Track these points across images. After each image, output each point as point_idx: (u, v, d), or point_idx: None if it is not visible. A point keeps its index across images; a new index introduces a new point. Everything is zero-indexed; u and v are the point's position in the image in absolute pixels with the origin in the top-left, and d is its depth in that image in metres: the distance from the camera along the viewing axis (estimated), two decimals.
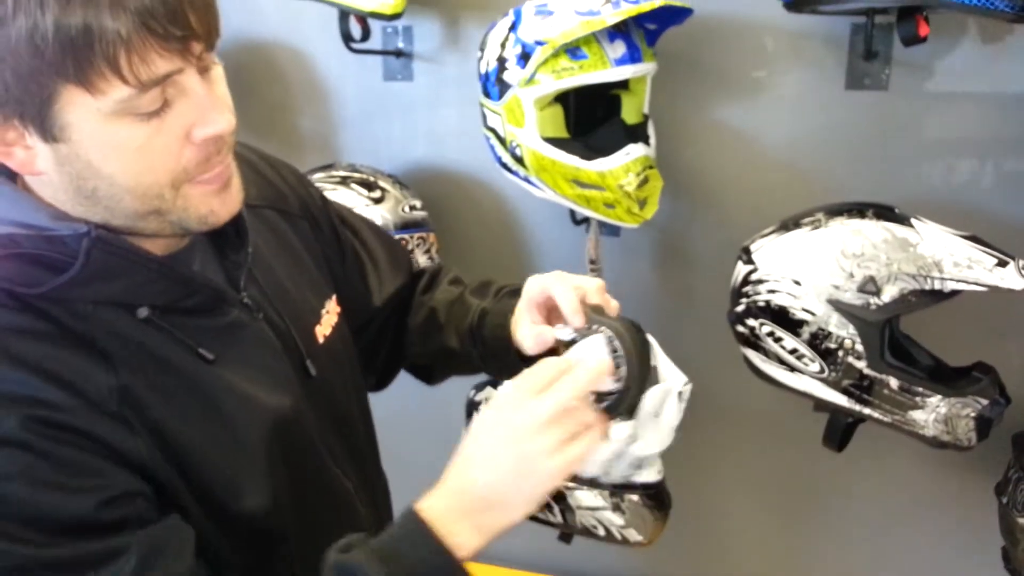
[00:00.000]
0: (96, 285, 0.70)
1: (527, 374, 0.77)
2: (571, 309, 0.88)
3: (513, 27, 1.38)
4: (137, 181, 0.68)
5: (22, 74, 0.61)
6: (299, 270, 0.95)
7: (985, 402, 1.21)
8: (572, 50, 1.32)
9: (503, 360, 0.99)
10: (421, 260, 1.70)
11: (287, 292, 0.90)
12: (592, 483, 1.22)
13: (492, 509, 0.72)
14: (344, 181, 1.71)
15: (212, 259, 0.83)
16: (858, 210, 1.26)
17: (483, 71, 1.45)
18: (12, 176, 0.72)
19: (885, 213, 1.25)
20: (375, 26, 1.77)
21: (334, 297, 0.98)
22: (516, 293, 1.01)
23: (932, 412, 1.21)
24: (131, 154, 0.66)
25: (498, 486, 0.72)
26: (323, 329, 0.94)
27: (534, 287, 0.95)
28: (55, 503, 0.64)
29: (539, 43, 1.32)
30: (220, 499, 0.75)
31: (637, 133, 1.45)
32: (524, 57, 1.35)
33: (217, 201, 0.74)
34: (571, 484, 1.21)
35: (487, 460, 0.73)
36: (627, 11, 1.25)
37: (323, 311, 0.95)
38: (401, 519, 0.73)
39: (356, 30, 1.73)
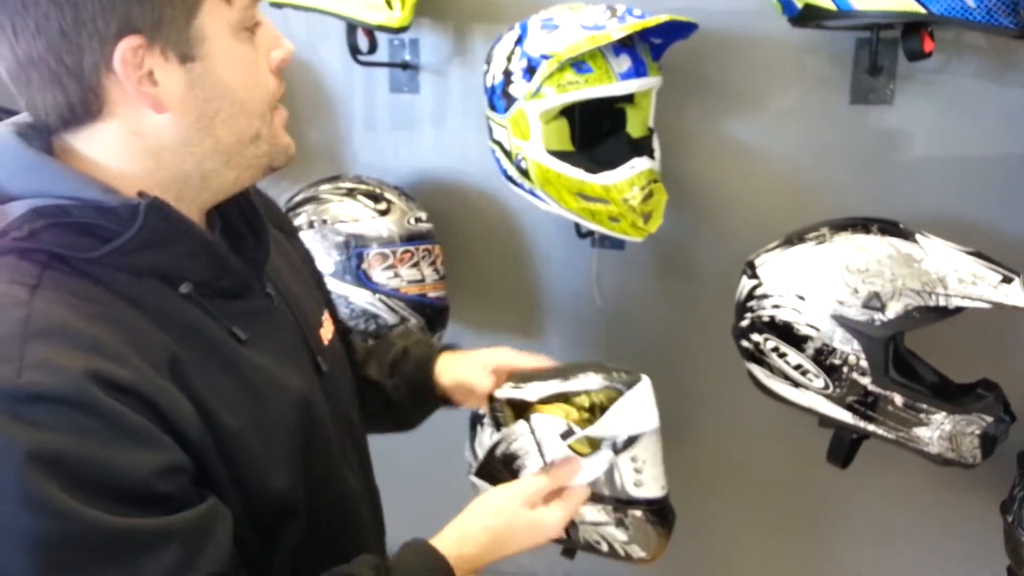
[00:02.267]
0: (147, 253, 0.72)
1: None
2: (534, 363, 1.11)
3: (519, 41, 1.39)
4: (251, 95, 0.76)
5: None
6: (300, 279, 0.99)
7: (990, 419, 1.20)
8: (578, 64, 1.32)
9: (421, 396, 1.14)
10: (427, 272, 1.71)
11: (295, 295, 0.94)
12: (595, 498, 1.21)
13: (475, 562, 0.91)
14: (350, 193, 1.71)
15: (232, 253, 0.84)
16: (863, 225, 1.26)
17: (489, 84, 1.45)
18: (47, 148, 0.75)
19: (890, 228, 1.25)
20: (382, 38, 1.78)
21: (327, 311, 1.03)
22: (431, 346, 1.18)
23: (936, 429, 1.21)
24: (248, 67, 0.75)
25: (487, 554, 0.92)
26: (326, 333, 0.98)
27: (484, 357, 1.14)
28: (115, 467, 0.63)
29: (545, 57, 1.33)
30: (249, 477, 0.76)
31: (642, 147, 1.46)
32: (530, 71, 1.35)
33: (287, 137, 0.82)
34: None
35: (489, 541, 0.92)
36: (632, 26, 1.26)
37: (323, 318, 1.00)
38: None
39: (363, 43, 1.74)
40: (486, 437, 1.20)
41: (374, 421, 1.12)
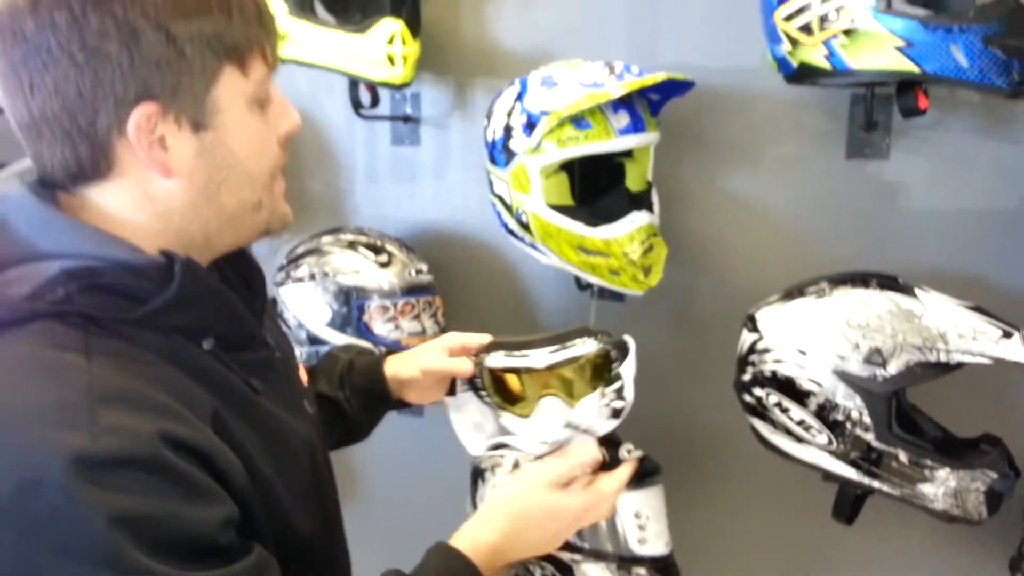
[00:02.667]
0: (179, 312, 0.73)
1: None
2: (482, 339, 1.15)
3: (519, 97, 1.40)
4: (259, 165, 0.78)
5: (196, 58, 0.70)
6: (275, 324, 1.04)
7: (995, 475, 1.19)
8: (577, 120, 1.34)
9: (374, 401, 1.18)
10: (428, 324, 1.71)
11: (279, 341, 0.96)
12: (599, 555, 1.20)
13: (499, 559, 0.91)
14: (352, 245, 1.72)
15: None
16: (862, 280, 1.27)
17: (489, 139, 1.47)
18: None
19: (889, 283, 1.25)
20: (384, 92, 1.81)
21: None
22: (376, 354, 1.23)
23: (941, 485, 1.20)
24: (257, 139, 0.78)
25: (511, 550, 0.91)
26: (303, 375, 1.02)
27: (438, 343, 1.19)
28: (187, 525, 0.65)
29: (544, 113, 1.34)
30: (281, 522, 0.79)
31: (641, 201, 1.47)
32: (530, 126, 1.37)
33: (286, 206, 0.85)
34: (578, 557, 1.19)
35: (510, 533, 0.91)
36: (631, 84, 1.28)
37: (297, 360, 1.03)
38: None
39: (365, 97, 1.76)
40: (487, 490, 1.19)
41: (329, 438, 1.11)
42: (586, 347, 1.07)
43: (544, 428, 1.06)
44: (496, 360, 1.10)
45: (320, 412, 1.07)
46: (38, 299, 0.69)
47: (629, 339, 1.07)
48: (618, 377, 1.05)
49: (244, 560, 0.69)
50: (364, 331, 1.66)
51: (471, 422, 1.17)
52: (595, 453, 1.02)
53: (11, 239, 0.71)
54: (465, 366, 1.16)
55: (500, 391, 1.18)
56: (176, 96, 0.71)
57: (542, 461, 1.01)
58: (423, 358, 1.19)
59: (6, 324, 0.68)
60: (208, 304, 0.77)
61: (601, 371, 1.10)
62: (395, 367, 1.20)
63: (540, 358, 1.07)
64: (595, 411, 1.03)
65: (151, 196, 0.74)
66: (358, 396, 1.18)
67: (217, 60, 0.72)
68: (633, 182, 1.49)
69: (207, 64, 0.71)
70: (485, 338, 1.18)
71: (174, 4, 0.69)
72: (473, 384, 1.16)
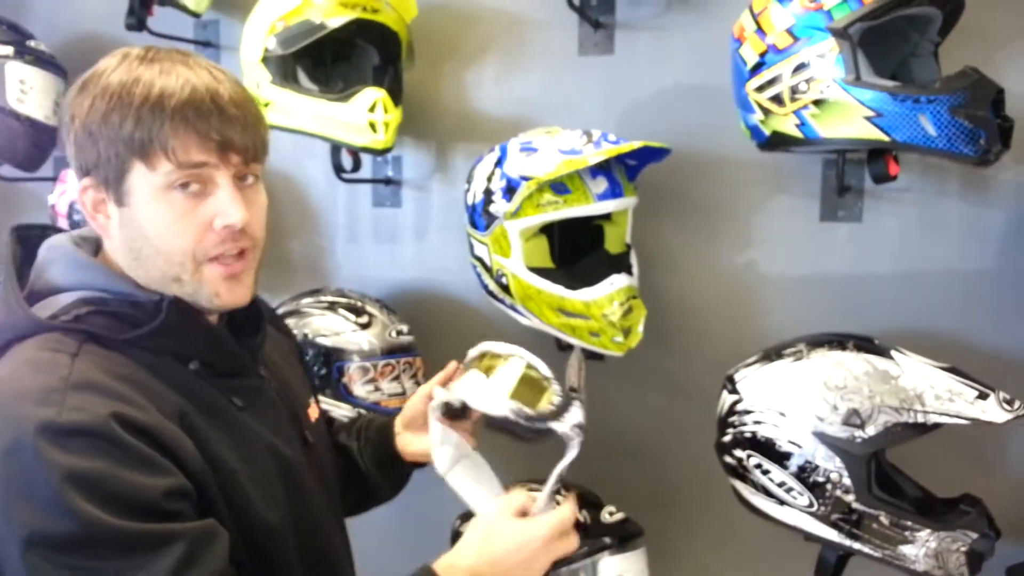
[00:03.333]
0: (166, 337, 0.91)
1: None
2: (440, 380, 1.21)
3: (499, 163, 1.43)
4: (168, 246, 0.90)
5: (111, 151, 0.87)
6: (290, 368, 1.17)
7: (975, 536, 1.19)
8: (556, 185, 1.36)
9: (385, 458, 1.25)
10: (408, 385, 1.70)
11: (286, 378, 1.11)
12: None
13: None
14: (332, 306, 1.72)
15: (233, 340, 1.01)
16: (839, 341, 1.28)
17: (470, 203, 1.49)
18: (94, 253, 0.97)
19: (865, 345, 1.27)
20: (365, 156, 1.83)
21: (314, 400, 1.19)
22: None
23: (922, 547, 1.20)
24: (167, 223, 0.89)
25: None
26: (313, 412, 1.16)
27: (404, 414, 1.25)
28: (130, 486, 0.79)
29: (524, 178, 1.37)
30: (243, 509, 0.91)
31: (620, 263, 1.49)
32: (510, 191, 1.39)
33: (225, 287, 0.93)
34: None
35: (484, 558, 0.97)
36: (607, 151, 1.30)
37: (310, 400, 1.18)
38: None
39: (347, 161, 1.78)
40: None
41: (347, 492, 1.22)
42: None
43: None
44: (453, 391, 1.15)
45: (338, 463, 1.22)
46: (54, 318, 0.89)
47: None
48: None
49: (189, 524, 0.82)
50: (343, 393, 1.65)
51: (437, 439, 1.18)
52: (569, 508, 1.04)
53: (48, 278, 0.93)
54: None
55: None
56: (99, 175, 0.89)
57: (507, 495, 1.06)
58: (410, 404, 1.26)
59: (27, 335, 0.88)
60: (192, 335, 0.93)
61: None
62: (399, 430, 1.27)
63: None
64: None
65: (118, 251, 0.93)
66: (371, 449, 1.26)
67: (128, 155, 0.87)
68: (612, 244, 1.52)
69: (119, 156, 0.87)
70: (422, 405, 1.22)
71: (95, 111, 0.87)
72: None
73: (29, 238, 0.99)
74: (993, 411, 1.16)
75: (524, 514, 1.02)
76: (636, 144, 1.30)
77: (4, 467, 0.78)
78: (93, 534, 0.77)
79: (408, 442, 1.24)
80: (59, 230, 1.03)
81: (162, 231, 0.90)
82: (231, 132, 0.90)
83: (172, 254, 0.90)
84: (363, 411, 1.65)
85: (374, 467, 1.25)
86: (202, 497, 0.86)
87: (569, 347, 1.61)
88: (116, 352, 0.88)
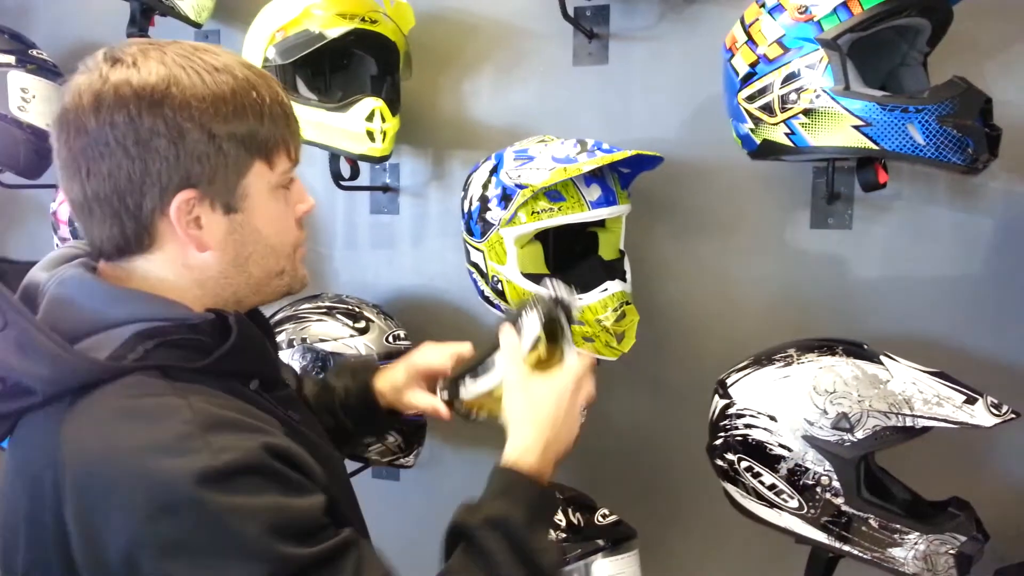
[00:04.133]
0: (234, 359, 0.85)
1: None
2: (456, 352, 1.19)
3: (495, 171, 1.45)
4: (280, 240, 0.91)
5: (231, 154, 0.83)
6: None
7: (963, 538, 1.21)
8: (551, 193, 1.38)
9: (370, 421, 1.25)
10: None
11: (288, 380, 1.05)
12: None
13: (556, 450, 1.01)
14: (330, 311, 1.74)
15: None
16: (828, 346, 1.30)
17: (466, 210, 1.51)
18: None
19: (854, 350, 1.28)
20: (364, 164, 1.85)
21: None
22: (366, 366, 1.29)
23: (911, 549, 1.21)
24: (279, 218, 0.90)
25: (552, 435, 1.00)
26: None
27: (416, 361, 1.22)
28: (301, 512, 0.78)
29: (520, 187, 1.39)
30: (343, 518, 0.87)
31: (614, 269, 1.51)
32: (505, 199, 1.41)
33: (303, 269, 0.96)
34: None
35: (540, 422, 1.00)
36: (601, 159, 1.32)
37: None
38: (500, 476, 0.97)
39: (346, 169, 1.80)
40: None
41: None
42: (533, 330, 1.09)
43: None
44: (470, 391, 1.14)
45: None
46: (120, 359, 0.79)
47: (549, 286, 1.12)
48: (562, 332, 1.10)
49: (344, 531, 0.81)
50: None
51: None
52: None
53: (80, 315, 0.82)
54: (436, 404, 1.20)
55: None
56: (212, 184, 0.83)
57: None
58: (406, 365, 1.23)
59: (95, 383, 0.78)
60: (253, 352, 0.89)
61: (555, 333, 1.12)
62: (386, 379, 1.25)
63: (499, 367, 1.10)
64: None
65: (189, 266, 0.86)
66: (354, 421, 1.24)
67: (249, 155, 0.85)
68: (606, 251, 1.54)
69: (240, 159, 0.84)
70: (444, 365, 1.20)
71: (215, 109, 0.81)
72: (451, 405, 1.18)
73: (16, 272, 0.90)
74: (981, 415, 1.18)
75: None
76: (629, 152, 1.32)
77: (166, 529, 0.71)
78: (291, 569, 0.74)
79: (400, 401, 1.23)
80: (9, 261, 0.93)
81: (277, 227, 0.90)
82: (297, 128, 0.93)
83: (283, 248, 0.91)
84: None
85: (362, 430, 1.26)
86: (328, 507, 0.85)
87: None
88: (195, 384, 0.81)
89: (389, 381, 1.24)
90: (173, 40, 0.85)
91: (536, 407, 1.02)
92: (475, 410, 1.16)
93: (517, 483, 0.96)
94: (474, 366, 1.12)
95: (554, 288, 1.10)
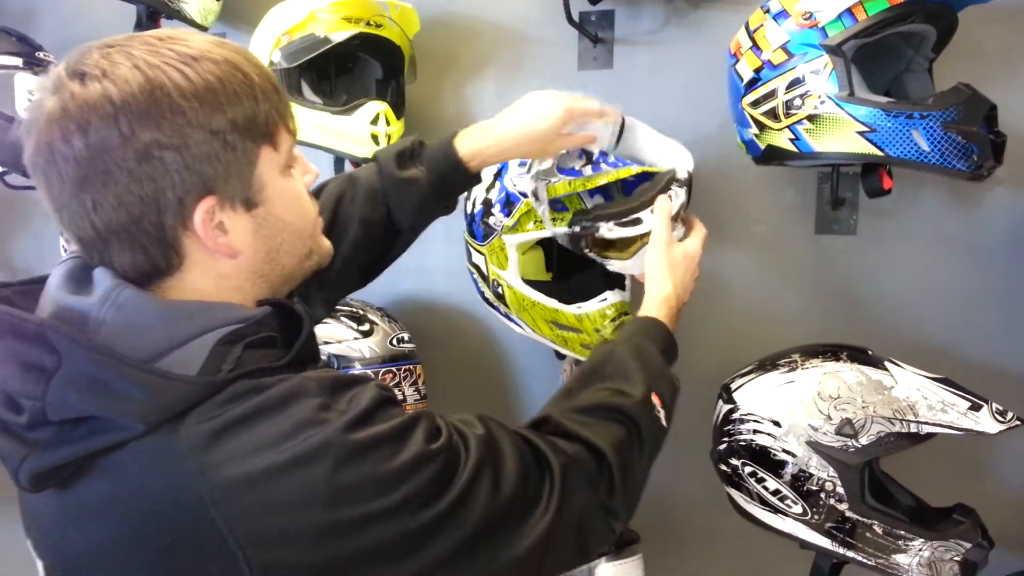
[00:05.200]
0: (308, 345, 0.83)
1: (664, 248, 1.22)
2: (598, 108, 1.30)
3: (499, 175, 1.45)
4: (305, 222, 0.86)
5: (238, 144, 0.76)
6: None
7: (968, 545, 1.21)
8: (554, 202, 1.38)
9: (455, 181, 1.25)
10: (408, 393, 1.72)
11: None
12: None
13: (680, 305, 1.21)
14: (334, 314, 1.74)
15: None
16: (833, 352, 1.30)
17: (469, 211, 1.51)
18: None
19: (859, 356, 1.29)
20: None
21: None
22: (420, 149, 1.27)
23: (916, 556, 1.21)
24: (298, 200, 0.85)
25: (682, 293, 1.21)
26: None
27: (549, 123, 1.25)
28: (425, 412, 0.81)
29: (523, 195, 1.38)
30: None
31: (615, 277, 1.50)
32: (508, 204, 1.41)
33: (327, 241, 0.92)
34: None
35: (675, 281, 1.20)
36: (606, 176, 1.32)
37: None
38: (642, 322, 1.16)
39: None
40: None
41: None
42: (680, 200, 1.27)
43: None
44: (614, 232, 1.26)
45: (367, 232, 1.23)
46: (215, 371, 0.74)
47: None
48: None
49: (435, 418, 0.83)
50: None
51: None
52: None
53: (150, 335, 0.74)
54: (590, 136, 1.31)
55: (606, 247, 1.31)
56: (228, 184, 0.77)
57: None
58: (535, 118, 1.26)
59: (200, 400, 0.73)
60: (311, 335, 0.85)
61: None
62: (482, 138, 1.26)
63: (647, 222, 1.24)
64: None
65: (224, 275, 0.81)
66: (435, 177, 1.24)
67: (254, 142, 0.78)
68: None
69: (247, 148, 0.77)
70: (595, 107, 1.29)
71: (209, 103, 0.74)
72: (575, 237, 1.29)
73: (21, 295, 0.80)
74: (986, 422, 1.18)
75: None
76: (636, 169, 1.32)
77: (348, 478, 0.72)
78: (452, 456, 0.78)
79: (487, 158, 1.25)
80: (7, 284, 0.82)
81: (298, 209, 0.85)
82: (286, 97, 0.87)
83: (306, 228, 0.87)
84: None
85: (439, 191, 1.25)
86: None
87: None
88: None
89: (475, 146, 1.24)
90: (127, 36, 0.77)
91: (675, 267, 1.20)
92: (594, 249, 1.28)
93: (654, 326, 1.13)
94: (619, 212, 1.24)
95: (684, 173, 1.27)
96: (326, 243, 0.92)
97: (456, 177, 1.24)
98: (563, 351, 1.48)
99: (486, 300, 1.55)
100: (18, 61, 2.04)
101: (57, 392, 0.70)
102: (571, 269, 1.52)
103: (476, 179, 1.27)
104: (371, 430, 0.75)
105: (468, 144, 1.24)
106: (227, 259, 0.80)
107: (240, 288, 0.82)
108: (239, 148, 0.76)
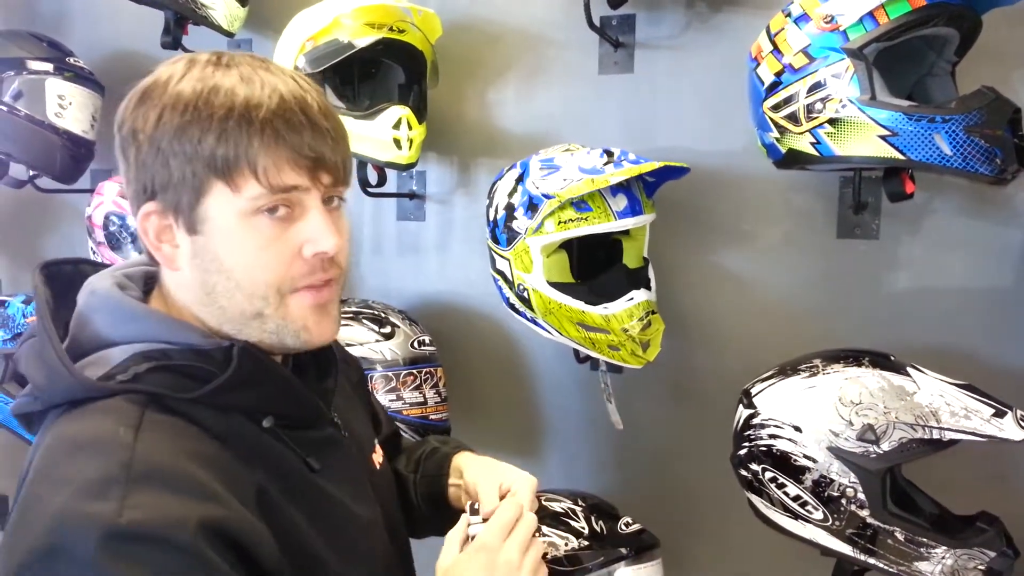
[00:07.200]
0: (238, 392, 0.78)
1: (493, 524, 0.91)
2: (488, 501, 0.99)
3: (521, 180, 1.46)
4: (251, 279, 0.78)
5: (185, 170, 0.76)
6: (354, 408, 1.05)
7: (992, 554, 1.19)
8: (577, 203, 1.39)
9: (434, 490, 1.13)
10: (429, 395, 1.73)
11: (351, 422, 0.98)
12: None
13: None
14: (356, 317, 1.76)
15: (303, 384, 0.88)
16: (854, 357, 1.29)
17: (491, 218, 1.52)
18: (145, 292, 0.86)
19: (881, 361, 1.28)
20: (390, 170, 1.87)
21: (377, 441, 1.07)
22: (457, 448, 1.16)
23: (938, 563, 1.20)
24: (251, 251, 0.78)
25: None
26: (377, 458, 1.04)
27: (468, 478, 1.06)
28: None
29: (547, 196, 1.39)
30: None
31: (638, 277, 1.51)
32: (532, 208, 1.42)
33: (313, 319, 0.82)
34: None
35: None
36: (628, 171, 1.33)
37: (375, 443, 1.05)
38: None
39: (373, 176, 1.82)
40: None
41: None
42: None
43: None
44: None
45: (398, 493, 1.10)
46: (110, 379, 0.76)
47: None
48: None
49: None
50: None
51: None
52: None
53: (94, 329, 0.80)
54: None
55: None
56: (167, 199, 0.78)
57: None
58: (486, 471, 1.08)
59: (81, 401, 0.75)
60: (266, 385, 0.80)
61: None
62: (461, 461, 1.12)
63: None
64: None
65: (182, 286, 0.82)
66: (424, 483, 1.14)
67: (207, 175, 0.76)
68: (630, 259, 1.54)
69: (196, 177, 0.76)
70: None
71: (168, 124, 0.76)
72: None
73: (59, 276, 0.86)
74: (1010, 429, 1.16)
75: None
76: (656, 164, 1.32)
77: (54, 569, 0.65)
78: None
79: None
80: (92, 263, 0.90)
81: (244, 262, 0.78)
82: (324, 148, 0.79)
83: (255, 287, 0.78)
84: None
85: (424, 504, 1.14)
86: None
87: (587, 358, 1.63)
88: (182, 417, 0.75)
89: (460, 463, 1.11)
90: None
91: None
92: None
93: None
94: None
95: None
96: (301, 322, 0.81)
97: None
98: (590, 353, 1.48)
99: (511, 306, 1.56)
100: (49, 67, 2.08)
101: (22, 349, 0.80)
102: (595, 269, 1.53)
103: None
104: (115, 560, 0.65)
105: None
106: (173, 272, 0.81)
107: (199, 313, 0.81)
108: (189, 171, 0.76)
